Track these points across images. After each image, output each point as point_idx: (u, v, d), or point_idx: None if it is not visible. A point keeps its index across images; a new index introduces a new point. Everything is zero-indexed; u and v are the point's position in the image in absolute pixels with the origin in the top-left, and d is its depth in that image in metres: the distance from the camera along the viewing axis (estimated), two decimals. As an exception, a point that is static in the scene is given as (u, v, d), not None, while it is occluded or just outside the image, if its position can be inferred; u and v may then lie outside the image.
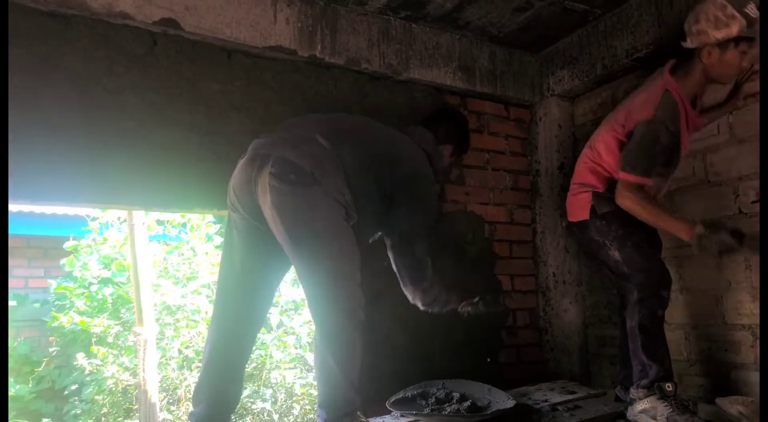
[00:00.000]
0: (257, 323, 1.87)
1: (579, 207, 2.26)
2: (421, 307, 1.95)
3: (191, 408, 1.78)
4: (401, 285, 1.93)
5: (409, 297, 1.94)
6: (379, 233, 1.92)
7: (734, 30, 1.92)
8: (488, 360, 2.67)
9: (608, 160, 2.18)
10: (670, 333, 2.40)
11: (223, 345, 1.78)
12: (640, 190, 2.04)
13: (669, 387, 1.97)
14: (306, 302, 1.71)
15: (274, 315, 4.22)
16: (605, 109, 2.74)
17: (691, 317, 2.36)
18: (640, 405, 2.00)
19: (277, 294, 4.07)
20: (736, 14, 1.90)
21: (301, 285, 1.70)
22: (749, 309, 2.13)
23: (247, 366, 1.91)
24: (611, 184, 2.16)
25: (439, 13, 2.47)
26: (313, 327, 4.56)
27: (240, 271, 1.79)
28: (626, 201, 2.04)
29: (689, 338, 2.37)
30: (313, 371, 1.69)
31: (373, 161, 1.77)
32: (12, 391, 4.46)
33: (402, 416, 2.05)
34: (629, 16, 2.43)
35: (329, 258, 1.61)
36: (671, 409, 1.93)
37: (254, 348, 1.98)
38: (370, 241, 1.92)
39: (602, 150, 2.21)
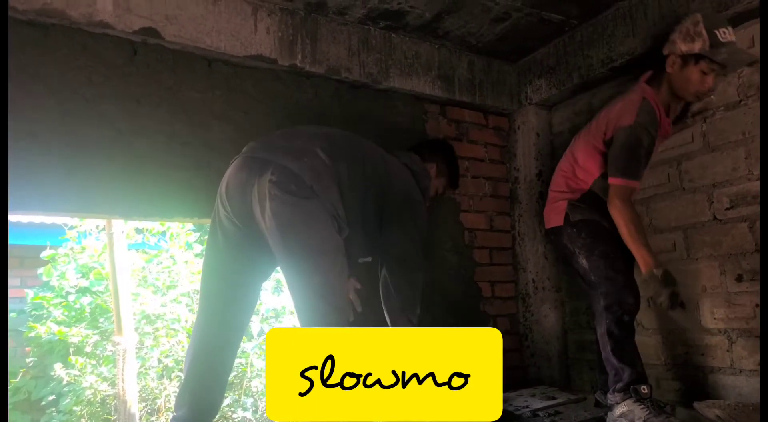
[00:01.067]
0: (240, 329, 1.87)
1: (555, 214, 2.32)
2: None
3: (171, 416, 1.77)
4: (385, 304, 1.95)
5: (389, 319, 1.96)
6: (369, 258, 1.93)
7: (697, 46, 2.00)
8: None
9: (587, 168, 2.24)
10: (647, 338, 2.46)
11: (206, 351, 1.77)
12: (629, 198, 2.10)
13: (644, 389, 2.01)
14: (295, 312, 1.71)
15: (255, 324, 4.20)
16: (582, 117, 2.80)
17: (668, 322, 2.40)
18: (618, 410, 2.03)
19: (258, 302, 4.07)
20: (704, 32, 1.98)
21: (290, 296, 1.71)
22: (725, 314, 2.17)
23: (230, 372, 1.90)
24: (586, 193, 2.25)
25: (418, 23, 2.50)
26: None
27: (223, 275, 1.79)
28: (615, 210, 2.08)
29: (666, 343, 2.41)
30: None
31: (366, 180, 1.80)
32: (-14, 403, 4.36)
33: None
34: (605, 26, 2.49)
35: (321, 272, 1.62)
36: (648, 411, 1.96)
37: (237, 354, 1.96)
38: (360, 262, 1.90)
39: (581, 159, 2.27)
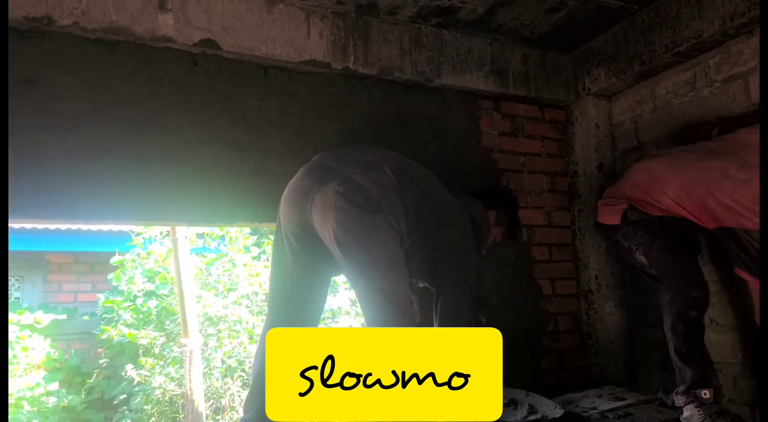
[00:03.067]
0: (312, 317, 1.89)
1: (611, 212, 2.24)
2: None
3: (236, 417, 1.82)
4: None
5: None
6: (425, 284, 1.94)
7: None
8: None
9: (672, 207, 2.05)
10: (722, 335, 2.34)
11: None
12: None
13: (706, 394, 1.91)
14: (363, 320, 1.73)
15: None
16: (644, 106, 2.69)
17: (746, 317, 2.27)
18: (684, 413, 1.96)
19: (325, 302, 4.11)
20: None
21: (359, 302, 1.72)
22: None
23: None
24: (656, 212, 2.10)
25: (470, 18, 2.46)
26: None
27: (290, 276, 1.82)
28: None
29: (743, 340, 2.28)
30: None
31: (427, 211, 1.79)
32: (65, 402, 4.63)
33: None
34: (668, 9, 2.37)
35: (386, 280, 1.62)
36: (703, 418, 1.86)
37: None
38: (414, 281, 1.90)
39: (669, 202, 2.05)
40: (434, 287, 1.91)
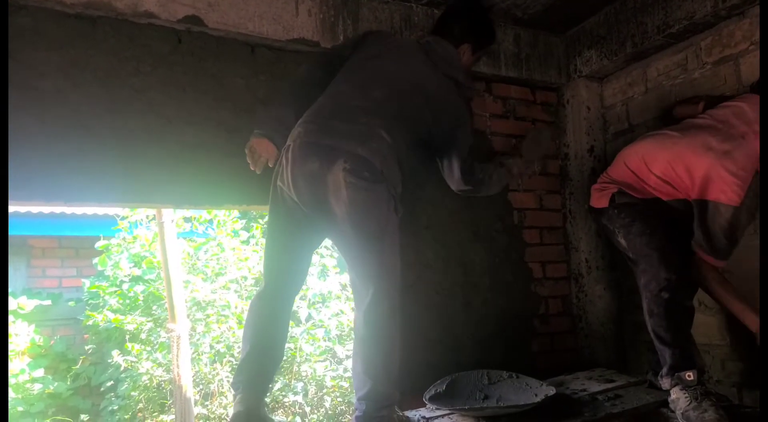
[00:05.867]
0: (294, 296, 1.93)
1: (602, 196, 2.27)
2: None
3: (224, 402, 1.80)
4: (451, 181, 2.06)
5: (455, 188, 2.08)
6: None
7: None
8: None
9: (659, 185, 2.09)
10: (710, 317, 2.35)
11: (270, 317, 1.83)
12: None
13: (690, 375, 1.90)
14: (353, 294, 1.73)
15: (302, 309, 4.24)
16: (636, 88, 2.67)
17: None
18: (671, 396, 1.96)
19: (304, 287, 4.11)
20: None
21: (357, 271, 1.73)
22: (797, 288, 2.05)
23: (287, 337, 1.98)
24: (646, 194, 2.14)
25: (461, -2, 2.41)
26: (342, 319, 4.55)
27: (286, 250, 1.85)
28: (701, 278, 2.06)
29: (731, 322, 2.29)
30: (352, 364, 1.68)
31: (421, 134, 1.90)
32: (50, 388, 4.58)
33: (437, 409, 2.03)
34: (660, -11, 2.35)
35: (392, 254, 1.71)
36: (689, 401, 1.86)
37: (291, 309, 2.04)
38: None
39: (654, 178, 2.10)
40: (472, 183, 2.03)
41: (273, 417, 2.43)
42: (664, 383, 1.98)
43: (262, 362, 1.79)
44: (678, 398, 1.91)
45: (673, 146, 2.06)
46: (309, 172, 1.69)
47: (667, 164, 2.05)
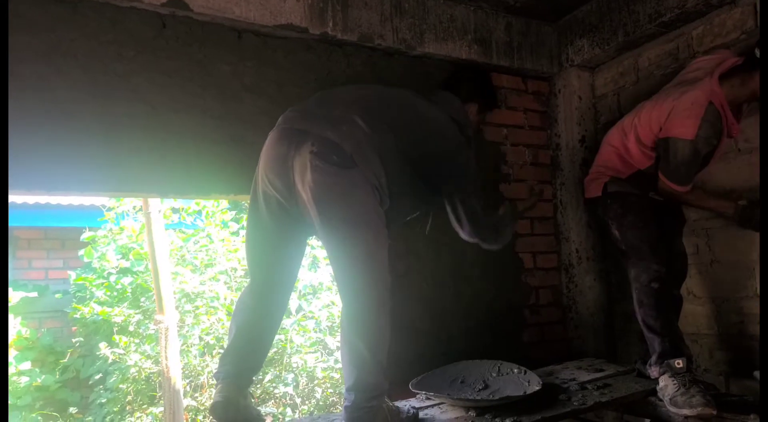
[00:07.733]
0: (286, 292, 1.88)
1: (595, 185, 2.33)
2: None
3: (214, 394, 1.78)
4: (460, 230, 1.95)
5: (466, 237, 1.98)
6: (417, 213, 1.95)
7: None
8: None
9: (636, 153, 2.20)
10: (699, 307, 2.36)
11: (256, 311, 1.79)
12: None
13: (679, 363, 1.95)
14: (336, 284, 1.70)
15: (293, 300, 4.22)
16: (628, 78, 2.66)
17: (722, 290, 2.29)
18: (659, 384, 1.99)
19: (299, 268, 4.06)
20: None
21: (332, 267, 1.69)
22: (784, 280, 2.06)
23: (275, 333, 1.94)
24: (635, 173, 2.23)
25: (453, -16, 2.38)
26: (333, 310, 4.52)
27: (268, 243, 1.80)
28: (670, 199, 2.17)
29: (720, 311, 2.30)
30: (341, 354, 1.66)
31: (409, 144, 1.75)
32: (38, 381, 4.53)
33: (427, 398, 2.02)
34: (652, -22, 2.33)
35: (364, 242, 1.60)
36: (677, 388, 1.90)
37: (282, 318, 1.98)
38: (407, 220, 1.94)
39: (632, 141, 2.20)
40: (448, 199, 1.90)
41: (259, 408, 2.41)
42: (653, 371, 2.01)
43: (245, 354, 1.77)
44: (666, 385, 1.94)
45: (644, 108, 2.21)
46: (278, 156, 1.66)
47: (640, 122, 2.18)
